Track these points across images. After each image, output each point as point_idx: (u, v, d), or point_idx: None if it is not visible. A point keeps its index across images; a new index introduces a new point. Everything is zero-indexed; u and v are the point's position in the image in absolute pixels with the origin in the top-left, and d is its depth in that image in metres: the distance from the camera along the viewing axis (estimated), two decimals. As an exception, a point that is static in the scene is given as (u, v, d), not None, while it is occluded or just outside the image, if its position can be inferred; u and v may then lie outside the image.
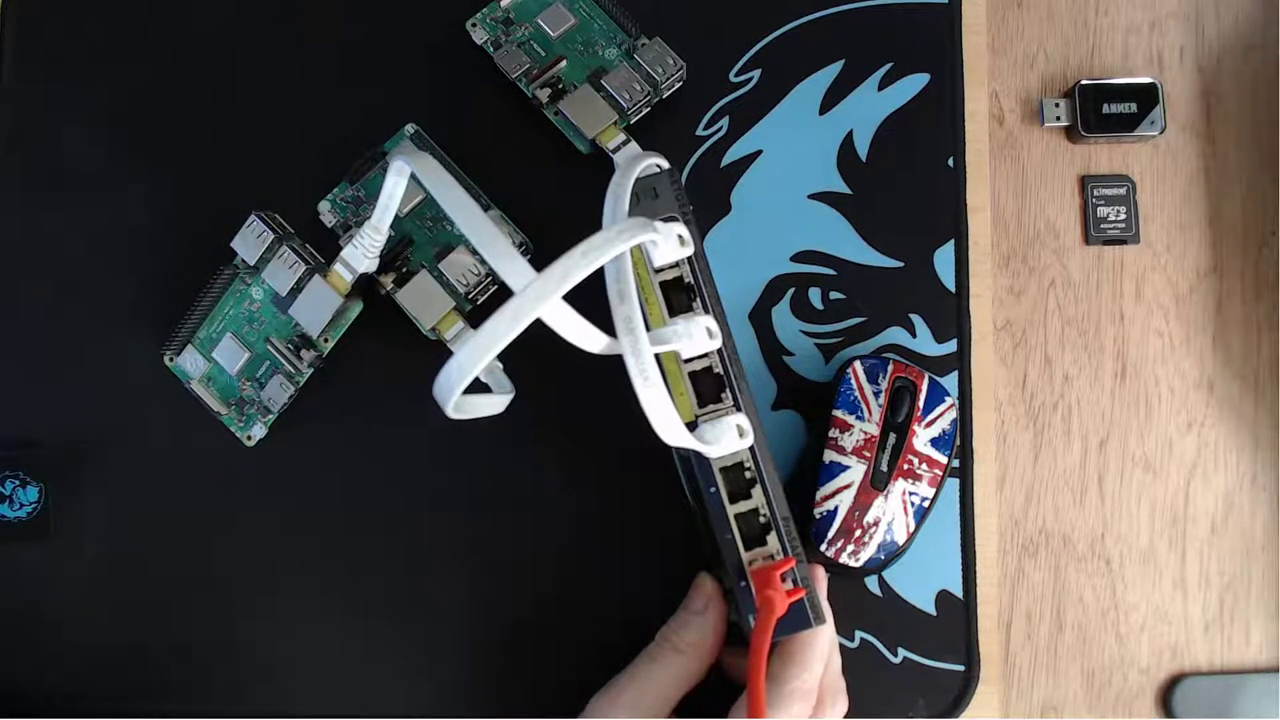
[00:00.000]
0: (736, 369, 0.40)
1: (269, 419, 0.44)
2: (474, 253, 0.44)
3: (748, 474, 0.39)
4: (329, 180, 0.45)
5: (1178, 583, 0.49)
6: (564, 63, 0.45)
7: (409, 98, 0.47)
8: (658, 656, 0.40)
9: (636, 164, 0.40)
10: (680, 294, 0.40)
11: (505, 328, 0.32)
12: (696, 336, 0.39)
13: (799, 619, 0.38)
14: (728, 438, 0.38)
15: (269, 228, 0.43)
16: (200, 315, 0.44)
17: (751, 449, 0.39)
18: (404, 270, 0.44)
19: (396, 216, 0.44)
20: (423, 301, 0.43)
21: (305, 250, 0.43)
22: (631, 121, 0.45)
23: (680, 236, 0.39)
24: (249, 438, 0.44)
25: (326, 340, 0.43)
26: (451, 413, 0.35)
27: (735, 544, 0.39)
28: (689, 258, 0.40)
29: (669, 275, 0.40)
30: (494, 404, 0.42)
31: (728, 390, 0.39)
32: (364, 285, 0.43)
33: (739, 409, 0.39)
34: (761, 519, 0.39)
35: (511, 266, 0.34)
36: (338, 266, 0.42)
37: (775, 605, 0.37)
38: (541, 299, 0.32)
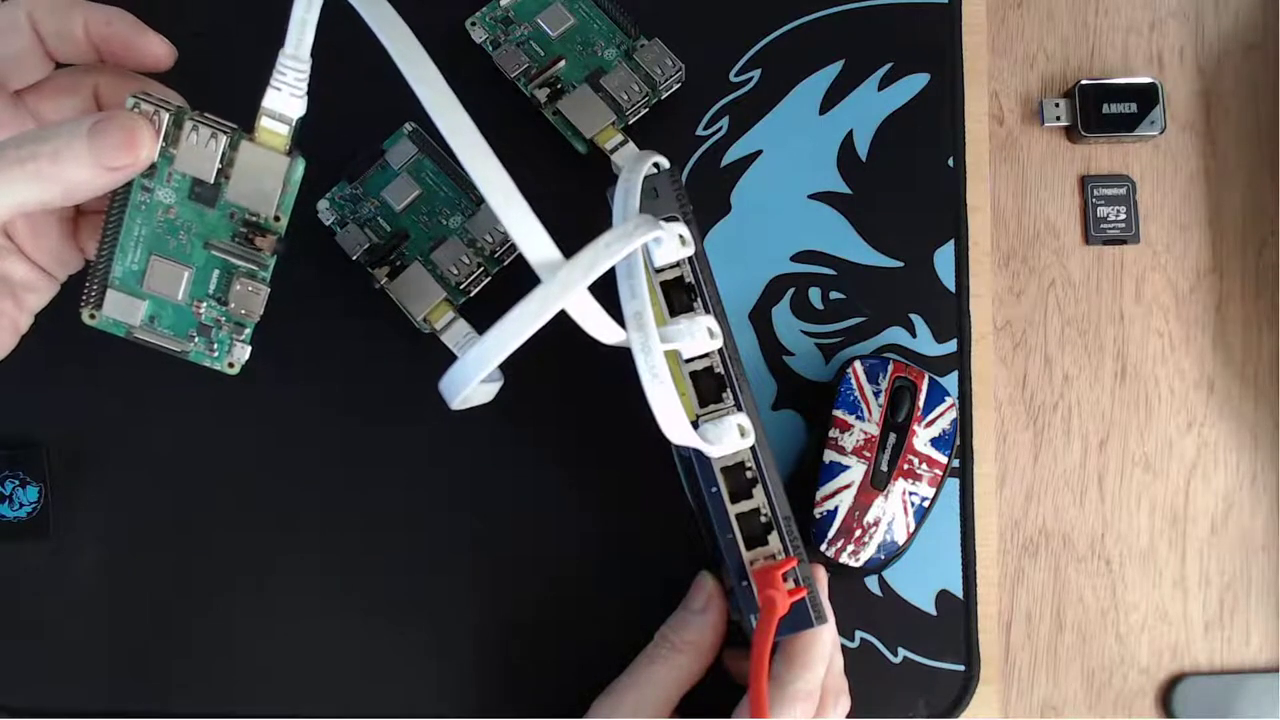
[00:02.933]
0: (737, 369, 0.40)
1: (245, 334, 0.37)
2: (470, 245, 0.43)
3: (749, 474, 0.39)
4: (327, 179, 0.45)
5: (1178, 583, 0.49)
6: (563, 63, 0.45)
7: (408, 97, 0.47)
8: (656, 657, 0.40)
9: (644, 161, 0.40)
10: (681, 294, 0.40)
11: (532, 316, 0.31)
12: (698, 336, 0.39)
13: (801, 618, 0.38)
14: (729, 437, 0.38)
15: (159, 105, 0.34)
16: (108, 250, 0.36)
17: (753, 449, 0.39)
18: (398, 264, 0.44)
19: (393, 212, 0.44)
20: (413, 292, 0.42)
21: (208, 118, 0.35)
22: (630, 122, 0.45)
23: (681, 236, 0.39)
24: (230, 365, 0.37)
25: (278, 219, 0.35)
26: (456, 404, 0.34)
27: (737, 544, 0.39)
28: (690, 257, 0.40)
29: (669, 275, 0.40)
30: (488, 392, 0.42)
31: (729, 390, 0.39)
32: (299, 137, 0.36)
33: (740, 409, 0.39)
34: (763, 519, 0.39)
35: (522, 221, 0.33)
36: (265, 121, 0.35)
37: (777, 605, 0.37)
38: (569, 288, 0.32)
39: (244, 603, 0.45)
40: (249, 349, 0.37)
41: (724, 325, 0.40)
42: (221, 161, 0.35)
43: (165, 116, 0.34)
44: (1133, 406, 0.49)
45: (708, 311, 0.40)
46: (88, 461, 0.45)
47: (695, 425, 0.39)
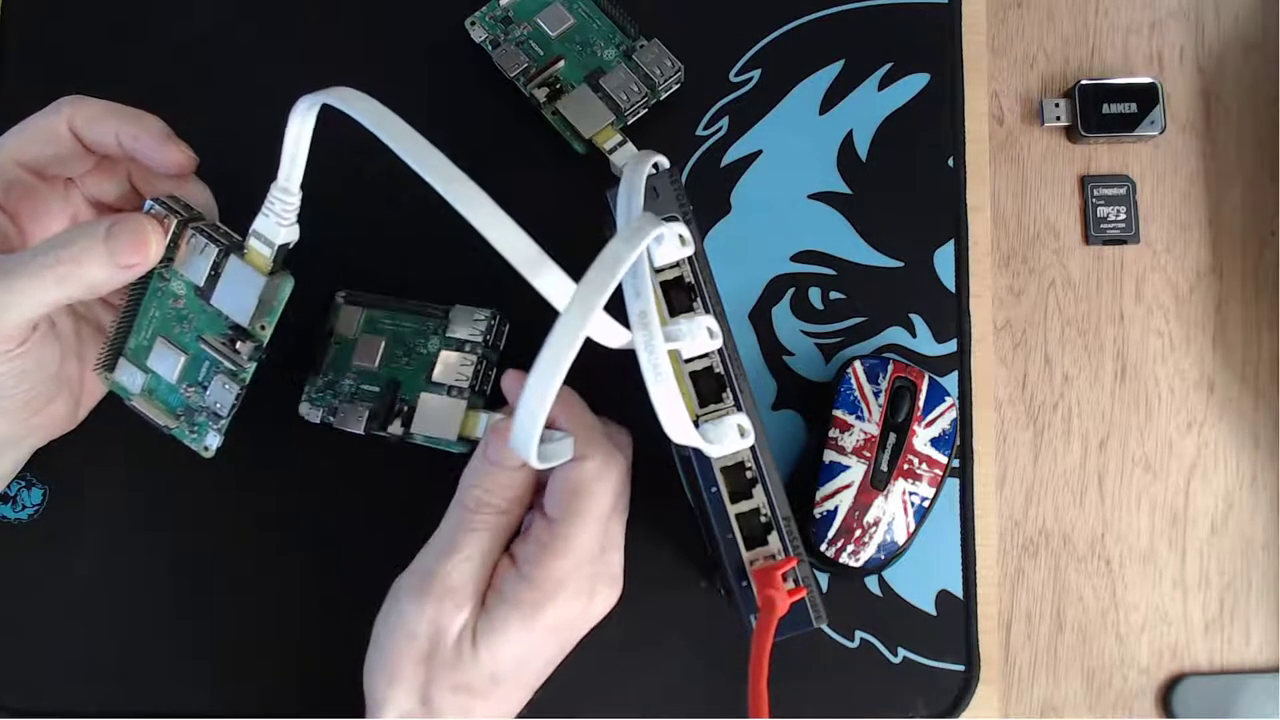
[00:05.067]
0: (737, 368, 0.39)
1: (221, 424, 0.41)
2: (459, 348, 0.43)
3: (749, 474, 0.39)
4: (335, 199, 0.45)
5: (1178, 583, 0.49)
6: (562, 63, 0.45)
7: (408, 96, 0.47)
8: (479, 525, 0.38)
9: (646, 160, 0.40)
10: (681, 294, 0.40)
11: (562, 352, 0.31)
12: (698, 336, 0.38)
13: (801, 618, 0.38)
14: (729, 437, 0.38)
15: (171, 210, 0.39)
16: (126, 323, 0.41)
17: (752, 449, 0.39)
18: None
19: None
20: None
21: (218, 230, 0.40)
22: (629, 122, 0.45)
23: (681, 236, 0.39)
24: (205, 449, 0.41)
25: (263, 328, 0.39)
26: (538, 464, 0.34)
27: (736, 544, 0.39)
28: (689, 257, 0.40)
29: (669, 275, 0.40)
30: (565, 450, 0.39)
31: (729, 390, 0.39)
32: (289, 259, 0.40)
33: (740, 409, 0.39)
34: (762, 519, 0.39)
35: (512, 239, 0.32)
36: (253, 242, 0.39)
37: (777, 605, 0.37)
38: (587, 314, 0.31)
39: (244, 603, 0.45)
40: (221, 438, 0.41)
41: (724, 325, 0.40)
42: (212, 270, 0.39)
43: (174, 222, 0.39)
44: (1133, 406, 0.49)
45: (708, 311, 0.40)
46: (90, 464, 0.45)
47: (695, 425, 0.39)
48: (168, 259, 0.40)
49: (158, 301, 0.41)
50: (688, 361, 0.39)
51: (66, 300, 0.36)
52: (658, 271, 0.40)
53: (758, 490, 0.39)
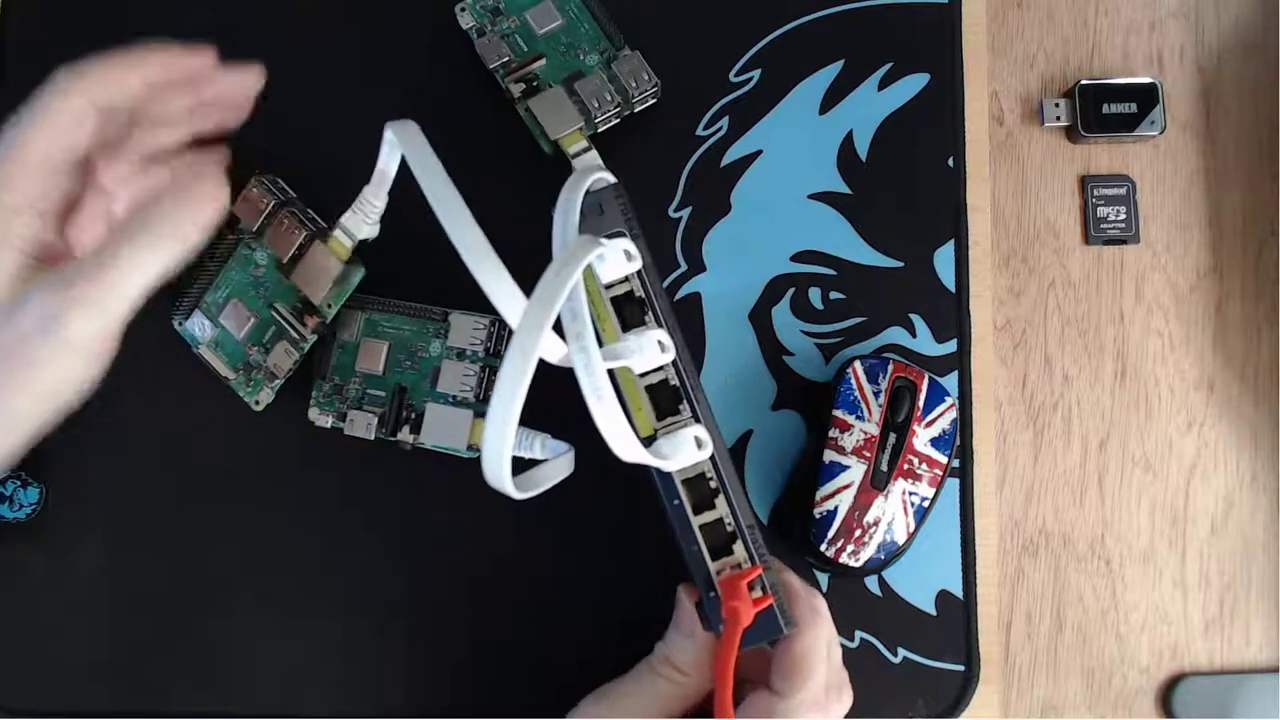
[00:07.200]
0: (692, 380, 0.39)
1: (275, 384, 0.44)
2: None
3: (710, 484, 0.39)
4: (324, 175, 0.45)
5: (1178, 583, 0.49)
6: (542, 61, 0.45)
7: (399, 83, 0.47)
8: (660, 673, 0.39)
9: (583, 179, 0.40)
10: (633, 308, 0.40)
11: (509, 395, 0.31)
12: (649, 350, 0.38)
13: (769, 627, 0.38)
14: (685, 450, 0.38)
15: (270, 192, 0.43)
16: (207, 280, 0.45)
17: (712, 459, 0.39)
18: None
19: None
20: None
21: (306, 215, 0.43)
22: (598, 130, 0.45)
23: (626, 252, 0.39)
24: (257, 402, 0.44)
25: (330, 306, 0.43)
26: (517, 494, 0.34)
27: (702, 555, 0.38)
28: (639, 271, 0.39)
29: (620, 290, 0.40)
30: (560, 469, 0.41)
31: (685, 402, 0.39)
32: (364, 253, 0.43)
33: (697, 420, 0.39)
34: (727, 528, 0.39)
35: (500, 286, 0.33)
36: (338, 233, 0.42)
37: (740, 617, 0.37)
38: (529, 355, 0.31)
39: (243, 603, 0.45)
40: (273, 395, 0.44)
41: (676, 338, 0.39)
42: (297, 250, 0.43)
43: (271, 201, 0.43)
44: (1133, 406, 0.49)
45: (659, 325, 0.39)
46: (88, 462, 0.45)
47: (654, 439, 0.39)
48: (258, 233, 0.44)
49: (239, 265, 0.44)
50: (642, 376, 0.39)
51: (170, 268, 0.35)
52: (608, 287, 0.39)
53: (720, 501, 0.39)
